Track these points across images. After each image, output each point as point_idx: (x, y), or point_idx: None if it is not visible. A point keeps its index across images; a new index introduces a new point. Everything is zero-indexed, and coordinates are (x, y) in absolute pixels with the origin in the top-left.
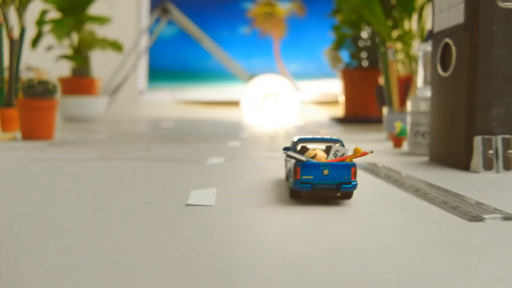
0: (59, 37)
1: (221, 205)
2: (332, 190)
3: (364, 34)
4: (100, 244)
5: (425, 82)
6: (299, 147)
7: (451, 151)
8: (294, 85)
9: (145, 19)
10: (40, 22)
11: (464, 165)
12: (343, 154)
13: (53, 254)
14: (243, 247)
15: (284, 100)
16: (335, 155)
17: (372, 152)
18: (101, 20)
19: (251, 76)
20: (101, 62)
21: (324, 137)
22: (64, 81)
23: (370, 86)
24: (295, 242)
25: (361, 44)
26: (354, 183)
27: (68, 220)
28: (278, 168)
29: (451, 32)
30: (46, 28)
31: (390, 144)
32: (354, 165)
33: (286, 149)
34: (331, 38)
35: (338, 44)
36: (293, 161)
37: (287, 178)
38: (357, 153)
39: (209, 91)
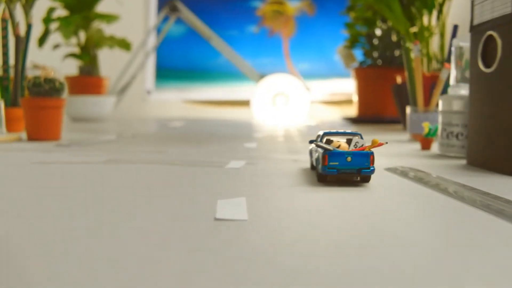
0: (66, 35)
1: (256, 219)
2: (353, 174)
3: (379, 31)
4: (116, 271)
5: (458, 79)
6: (324, 139)
7: (495, 155)
8: (304, 85)
9: (153, 18)
10: (47, 20)
11: (511, 170)
12: (362, 145)
13: (57, 281)
14: (297, 275)
15: (295, 99)
16: (356, 145)
17: (387, 143)
18: (109, 18)
19: (261, 76)
20: (108, 61)
21: (346, 131)
22: (71, 80)
23: (385, 85)
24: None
25: (376, 42)
26: (372, 168)
27: (76, 237)
28: (305, 172)
29: (495, 23)
30: (53, 26)
31: (415, 146)
32: (372, 153)
33: (311, 141)
34: (342, 37)
35: (352, 42)
36: (320, 150)
37: (312, 166)
38: (374, 144)
39: (218, 90)
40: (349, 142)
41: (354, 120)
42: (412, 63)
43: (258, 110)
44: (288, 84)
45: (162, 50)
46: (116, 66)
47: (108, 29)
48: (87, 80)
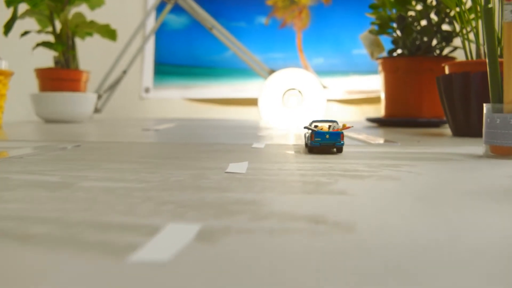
0: (41, 22)
1: None
2: (331, 146)
3: (413, 12)
4: None
5: None
6: (313, 125)
7: None
8: (319, 81)
9: (150, 3)
10: (11, 1)
11: None
12: (337, 128)
13: None
14: None
15: (309, 98)
16: (333, 128)
17: (353, 126)
18: (91, 2)
19: (272, 72)
20: (97, 54)
21: (327, 119)
22: (42, 72)
23: (422, 79)
24: None
25: (410, 26)
26: (342, 142)
27: None
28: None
29: None
30: (23, 11)
31: (508, 167)
32: (342, 133)
33: (305, 127)
34: (361, 28)
35: (381, 27)
36: (309, 131)
37: (306, 145)
38: (344, 127)
39: (224, 88)
40: (329, 126)
41: (381, 122)
42: (495, 35)
43: (266, 110)
44: (301, 80)
45: (161, 44)
46: (106, 60)
47: (96, 17)
48: (62, 74)
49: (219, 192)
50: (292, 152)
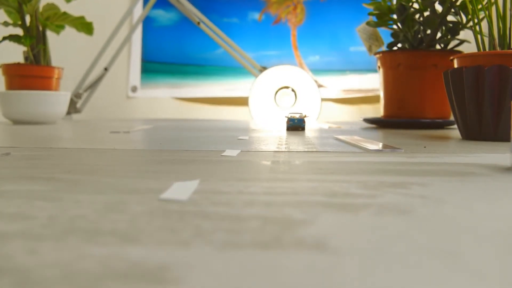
0: (12, 16)
1: None
2: (298, 127)
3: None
4: None
5: None
6: (289, 115)
7: None
8: (314, 80)
9: None
10: None
11: None
12: (302, 116)
13: None
14: None
15: (303, 97)
16: (300, 116)
17: (309, 116)
18: None
19: (264, 69)
20: (79, 49)
21: (298, 112)
22: (8, 69)
23: (425, 75)
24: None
25: (412, 17)
26: (304, 124)
27: None
28: None
29: None
30: None
31: None
32: (303, 119)
33: (285, 116)
34: (359, 23)
35: (380, 19)
36: (286, 118)
37: (287, 127)
38: (304, 116)
39: (215, 87)
40: (299, 116)
41: (379, 123)
42: None
43: (256, 110)
44: (294, 78)
45: (149, 41)
46: (92, 55)
47: (74, 9)
48: (32, 70)
49: (116, 245)
50: (269, 163)
